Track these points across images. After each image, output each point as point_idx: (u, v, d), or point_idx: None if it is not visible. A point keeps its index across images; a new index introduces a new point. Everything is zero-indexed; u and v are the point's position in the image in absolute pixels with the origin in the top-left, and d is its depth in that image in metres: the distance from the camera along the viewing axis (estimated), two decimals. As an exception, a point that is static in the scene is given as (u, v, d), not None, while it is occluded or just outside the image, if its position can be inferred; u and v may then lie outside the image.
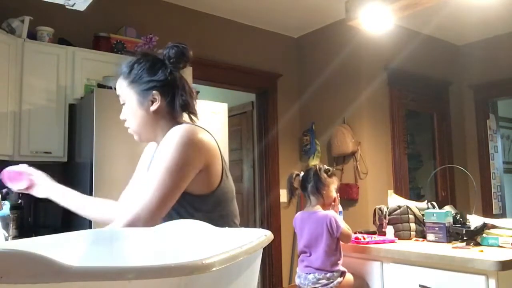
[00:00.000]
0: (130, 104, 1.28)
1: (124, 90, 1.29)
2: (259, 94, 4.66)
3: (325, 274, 2.31)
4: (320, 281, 2.31)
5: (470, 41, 4.97)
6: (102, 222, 1.34)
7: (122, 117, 1.32)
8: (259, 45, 4.54)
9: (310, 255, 2.40)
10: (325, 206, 2.46)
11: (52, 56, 2.99)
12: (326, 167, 2.52)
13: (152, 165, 1.20)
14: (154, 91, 1.27)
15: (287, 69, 4.73)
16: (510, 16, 4.16)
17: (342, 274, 2.34)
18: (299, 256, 2.51)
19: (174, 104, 1.30)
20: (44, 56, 2.96)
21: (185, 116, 1.35)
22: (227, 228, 0.79)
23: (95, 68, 3.09)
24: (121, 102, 1.31)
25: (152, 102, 1.27)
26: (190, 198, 1.21)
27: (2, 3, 3.05)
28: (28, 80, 2.89)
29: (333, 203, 2.46)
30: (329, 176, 2.47)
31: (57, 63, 3.00)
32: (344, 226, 2.36)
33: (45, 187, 1.41)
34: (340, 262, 2.37)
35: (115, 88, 1.33)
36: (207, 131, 1.27)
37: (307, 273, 2.37)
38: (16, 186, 1.41)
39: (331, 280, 2.30)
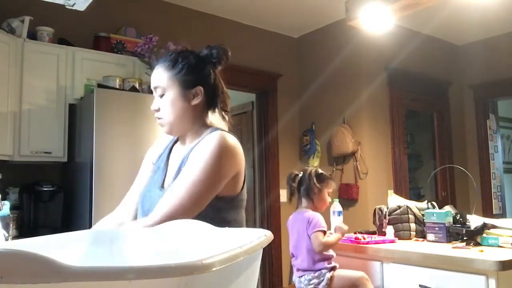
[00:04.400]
0: (171, 95, 1.30)
1: (166, 81, 1.30)
2: (259, 94, 4.66)
3: (313, 273, 2.34)
4: (312, 282, 2.34)
5: (470, 41, 4.96)
6: None
7: (154, 107, 1.33)
8: (259, 45, 4.54)
9: (296, 258, 2.44)
10: (317, 210, 2.47)
11: (52, 56, 2.99)
12: (320, 171, 2.50)
13: (187, 170, 1.23)
14: (198, 86, 1.31)
15: (287, 69, 4.73)
16: (510, 16, 4.16)
17: (332, 269, 2.35)
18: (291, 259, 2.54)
19: (213, 102, 1.35)
20: (44, 56, 2.96)
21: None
22: (227, 228, 0.79)
23: (95, 68, 3.09)
24: (158, 94, 1.31)
25: (194, 96, 1.31)
26: (216, 198, 1.25)
27: (2, 3, 3.05)
28: (28, 80, 2.89)
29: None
30: (321, 181, 2.45)
31: (57, 63, 3.00)
32: (323, 237, 2.32)
33: None
34: (328, 260, 2.37)
35: (149, 87, 1.30)
36: (234, 136, 1.32)
37: (299, 277, 2.41)
38: None
39: (322, 278, 2.33)
